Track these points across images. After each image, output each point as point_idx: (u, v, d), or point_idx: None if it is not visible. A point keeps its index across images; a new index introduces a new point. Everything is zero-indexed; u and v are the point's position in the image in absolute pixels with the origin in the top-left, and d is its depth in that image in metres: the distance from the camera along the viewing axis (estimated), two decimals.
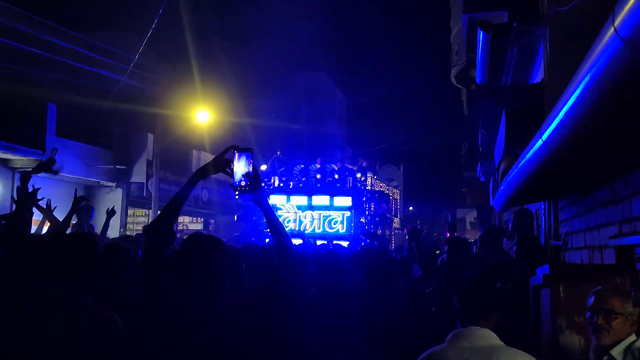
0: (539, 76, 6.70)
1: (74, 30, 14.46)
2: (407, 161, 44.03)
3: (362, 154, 22.77)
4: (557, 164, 2.53)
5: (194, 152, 21.13)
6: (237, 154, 2.45)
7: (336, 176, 14.69)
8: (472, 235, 33.28)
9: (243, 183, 2.39)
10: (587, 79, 1.61)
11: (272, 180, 14.94)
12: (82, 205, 6.47)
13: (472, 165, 14.48)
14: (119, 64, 14.66)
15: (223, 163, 2.46)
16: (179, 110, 17.74)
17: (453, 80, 18.37)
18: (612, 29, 1.35)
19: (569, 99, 1.88)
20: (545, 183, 3.44)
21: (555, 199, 5.54)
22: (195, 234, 2.44)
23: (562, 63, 5.75)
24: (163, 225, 2.44)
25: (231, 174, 2.42)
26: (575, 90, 1.78)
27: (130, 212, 18.83)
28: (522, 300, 4.76)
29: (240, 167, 2.42)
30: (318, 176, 14.68)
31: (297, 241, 11.73)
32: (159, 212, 14.71)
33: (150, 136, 17.53)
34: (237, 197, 2.51)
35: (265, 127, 24.83)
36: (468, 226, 43.06)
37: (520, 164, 3.11)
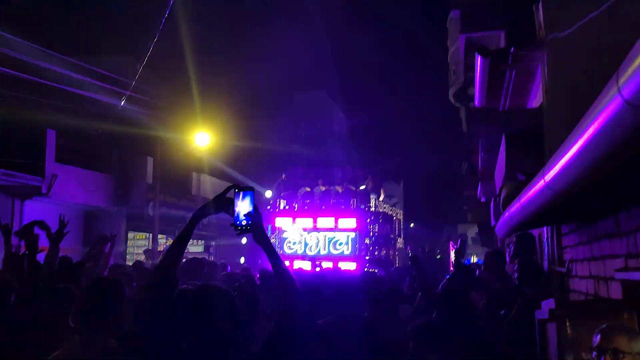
0: (537, 99, 6.70)
1: (72, 54, 14.54)
2: (408, 177, 44.05)
3: (363, 173, 22.73)
4: (559, 203, 2.50)
5: (194, 175, 21.14)
6: (238, 193, 2.42)
7: (340, 188, 14.86)
8: (472, 250, 33.15)
9: (244, 222, 2.36)
10: (588, 133, 1.58)
11: (277, 202, 15.11)
12: (99, 235, 6.76)
13: (473, 184, 14.44)
14: (117, 89, 14.72)
15: (224, 202, 2.43)
16: (178, 133, 17.78)
17: (451, 99, 18.44)
18: (615, 89, 1.32)
19: (571, 148, 1.85)
20: (548, 217, 3.40)
21: (559, 224, 5.49)
22: (206, 288, 2.39)
23: (560, 88, 5.75)
24: (166, 273, 2.39)
25: (232, 213, 2.38)
26: (577, 141, 1.75)
27: (130, 235, 18.78)
28: (526, 330, 4.70)
29: (241, 206, 2.39)
30: (322, 188, 14.89)
31: (304, 264, 11.70)
32: (159, 237, 14.56)
33: (150, 159, 17.55)
34: (238, 235, 2.47)
35: (265, 148, 24.85)
36: (470, 242, 42.99)
37: (523, 199, 3.08)
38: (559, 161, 2.08)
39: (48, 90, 13.26)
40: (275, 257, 2.41)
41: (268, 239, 2.43)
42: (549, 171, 2.28)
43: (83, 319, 2.86)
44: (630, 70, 1.23)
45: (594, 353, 2.63)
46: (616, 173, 1.89)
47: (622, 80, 1.29)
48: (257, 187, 21.49)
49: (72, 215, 16.36)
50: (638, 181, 2.23)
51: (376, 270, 9.23)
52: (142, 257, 14.27)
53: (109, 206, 17.02)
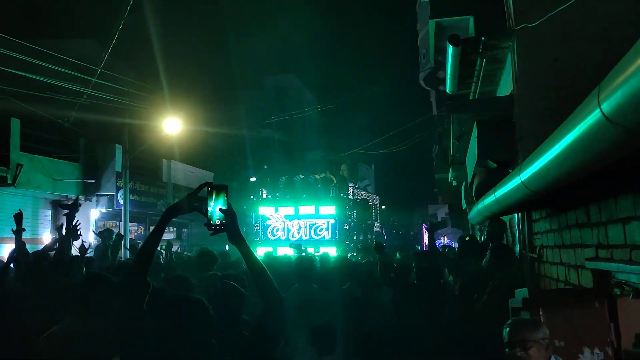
0: (507, 86, 6.79)
1: (35, 39, 14.10)
2: (379, 160, 44.29)
3: (334, 158, 22.80)
4: (534, 199, 2.55)
5: (164, 162, 20.86)
6: (211, 192, 2.38)
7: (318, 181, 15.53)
8: (443, 231, 33.62)
9: (218, 222, 2.33)
10: (566, 142, 1.61)
11: (260, 192, 15.93)
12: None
13: (444, 168, 14.62)
14: (83, 76, 14.34)
15: (197, 201, 2.39)
16: (147, 119, 17.47)
17: (422, 82, 18.54)
18: (595, 103, 1.36)
19: (548, 153, 1.89)
20: (521, 207, 3.47)
21: (529, 211, 5.62)
22: (179, 298, 2.37)
23: (530, 76, 5.84)
24: (138, 277, 2.36)
25: (205, 212, 2.35)
26: (555, 147, 1.78)
27: (100, 224, 18.48)
28: (499, 314, 4.82)
29: (215, 205, 2.35)
30: (301, 177, 15.61)
31: (287, 250, 11.84)
32: (130, 226, 14.30)
33: (119, 147, 17.23)
34: (212, 235, 2.43)
35: (236, 133, 24.63)
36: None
37: (498, 193, 3.14)
38: (535, 163, 2.12)
39: (11, 77, 12.86)
40: (249, 254, 2.38)
41: (242, 238, 2.38)
42: (525, 170, 2.33)
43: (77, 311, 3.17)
44: (611, 87, 1.26)
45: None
46: (591, 176, 1.94)
47: (603, 95, 1.32)
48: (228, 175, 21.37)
49: (40, 206, 16.09)
50: (609, 181, 2.30)
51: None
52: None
53: (77, 195, 16.70)
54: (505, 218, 6.84)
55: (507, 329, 2.87)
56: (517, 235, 6.22)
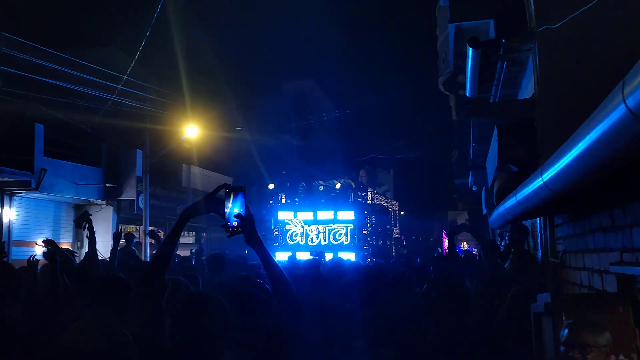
0: (529, 90, 6.71)
1: (60, 47, 14.35)
2: (398, 165, 44.13)
3: (352, 163, 22.77)
4: (557, 200, 2.51)
5: (184, 167, 21.03)
6: (229, 194, 2.36)
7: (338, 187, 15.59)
8: (463, 237, 33.35)
9: (235, 224, 2.31)
10: (590, 139, 1.58)
11: (279, 197, 16.02)
12: (126, 232, 7.49)
13: (463, 173, 14.51)
14: (107, 82, 14.55)
15: (214, 203, 2.38)
16: (167, 125, 17.65)
17: (441, 87, 18.39)
18: (620, 97, 1.33)
19: (571, 151, 1.85)
20: (543, 211, 3.42)
21: (551, 215, 5.53)
22: (194, 296, 2.37)
23: (552, 79, 5.77)
24: (156, 277, 2.36)
25: (223, 214, 2.34)
26: (578, 145, 1.75)
27: (121, 228, 18.69)
28: (520, 321, 4.74)
29: (232, 207, 2.34)
30: (321, 188, 15.61)
31: (305, 254, 11.89)
32: (149, 229, 14.43)
33: (140, 152, 17.43)
34: (229, 237, 2.41)
35: (255, 138, 24.75)
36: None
37: (519, 195, 3.09)
38: (558, 162, 2.08)
39: (36, 84, 13.10)
40: (267, 258, 2.37)
41: (260, 240, 2.36)
42: (548, 170, 2.29)
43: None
44: (636, 80, 1.23)
45: (562, 348, 2.70)
46: (615, 175, 1.90)
47: (627, 90, 1.29)
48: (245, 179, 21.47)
49: (63, 210, 16.32)
50: (634, 180, 2.25)
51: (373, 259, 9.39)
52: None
53: (99, 199, 16.92)
54: (527, 223, 6.75)
55: (567, 329, 2.72)
56: (539, 241, 6.13)
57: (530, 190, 2.78)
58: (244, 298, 3.30)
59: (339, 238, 14.77)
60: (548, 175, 2.30)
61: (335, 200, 15.35)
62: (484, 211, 12.30)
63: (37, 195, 14.27)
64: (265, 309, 3.61)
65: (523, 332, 4.38)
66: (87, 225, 5.56)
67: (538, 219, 5.97)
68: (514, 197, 3.37)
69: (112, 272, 5.09)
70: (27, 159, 13.46)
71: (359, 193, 15.70)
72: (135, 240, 8.49)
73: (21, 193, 13.94)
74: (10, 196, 13.79)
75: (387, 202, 18.16)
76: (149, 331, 2.28)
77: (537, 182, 2.54)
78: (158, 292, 2.31)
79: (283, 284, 2.35)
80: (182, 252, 12.78)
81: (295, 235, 15.11)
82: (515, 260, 5.64)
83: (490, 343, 4.90)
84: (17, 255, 12.57)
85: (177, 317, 2.24)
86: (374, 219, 15.78)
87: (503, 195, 5.46)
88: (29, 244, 14.22)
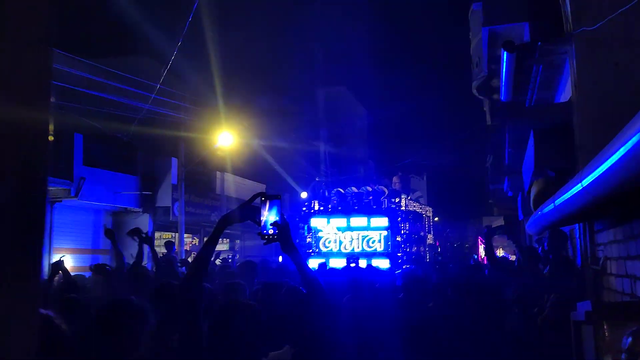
0: (566, 93, 6.58)
1: (96, 57, 14.73)
2: (431, 171, 43.71)
3: (386, 170, 22.67)
4: (597, 206, 2.45)
5: (218, 174, 21.27)
6: (265, 202, 2.39)
7: (371, 197, 15.43)
8: (498, 243, 32.78)
9: (271, 231, 2.34)
10: (633, 142, 1.54)
11: (312, 204, 15.85)
12: (166, 241, 7.99)
13: (499, 178, 14.29)
14: (141, 92, 14.85)
15: (250, 211, 2.41)
16: (201, 133, 17.89)
17: (475, 91, 18.20)
18: None
19: (613, 155, 1.80)
20: (583, 217, 3.34)
21: (591, 221, 5.40)
22: (232, 304, 2.40)
23: (590, 81, 5.64)
24: (194, 283, 2.40)
25: (259, 222, 2.36)
26: (620, 149, 1.70)
27: (157, 235, 18.99)
28: (560, 329, 4.64)
29: (268, 215, 2.36)
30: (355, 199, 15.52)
31: (340, 261, 11.88)
32: (185, 237, 14.64)
33: (175, 160, 17.71)
34: (265, 244, 2.44)
35: (288, 145, 24.88)
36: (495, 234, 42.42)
37: (557, 201, 3.02)
38: (598, 167, 2.03)
39: (74, 94, 13.46)
40: (302, 265, 2.39)
41: (295, 248, 2.40)
42: (587, 176, 2.23)
43: None
44: None
45: (623, 355, 2.59)
46: None
47: None
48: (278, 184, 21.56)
49: (100, 217, 16.70)
50: None
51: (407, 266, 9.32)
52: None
53: (135, 207, 17.24)
54: (566, 229, 6.60)
55: (631, 337, 2.51)
56: (578, 247, 5.98)
57: (569, 196, 2.72)
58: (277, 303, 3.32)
59: (372, 245, 14.63)
60: (588, 180, 2.25)
61: (368, 207, 15.24)
62: (521, 217, 12.08)
63: (76, 202, 14.64)
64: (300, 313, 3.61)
65: (562, 341, 4.27)
66: (140, 237, 6.03)
67: (577, 225, 5.83)
68: (552, 203, 3.30)
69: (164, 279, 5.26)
70: (67, 168, 13.84)
71: (393, 199, 15.54)
72: (175, 248, 8.66)
73: (61, 201, 14.32)
74: (52, 204, 14.18)
75: (420, 208, 17.98)
76: (189, 337, 2.31)
77: (576, 188, 2.48)
78: (197, 298, 2.35)
79: (317, 289, 2.37)
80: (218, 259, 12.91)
81: (329, 242, 15.03)
82: (554, 267, 5.52)
83: (529, 352, 4.80)
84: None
85: (214, 325, 2.27)
86: (407, 225, 15.59)
87: (540, 200, 5.35)
88: (70, 251, 14.60)
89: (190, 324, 2.32)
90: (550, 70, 6.71)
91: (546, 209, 3.72)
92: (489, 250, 6.06)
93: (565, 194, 2.77)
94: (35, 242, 0.45)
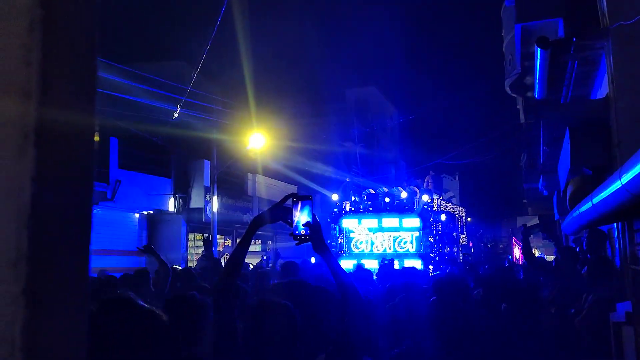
0: (602, 89, 6.43)
1: (129, 62, 15.02)
2: (463, 171, 43.22)
3: (416, 170, 22.51)
4: (637, 204, 2.39)
5: (249, 176, 21.45)
6: (296, 202, 2.40)
7: (403, 196, 15.25)
8: (534, 243, 32.11)
9: (303, 232, 2.34)
10: None
11: (343, 204, 15.76)
12: (205, 239, 7.85)
13: (533, 177, 14.05)
14: (174, 95, 15.08)
15: (282, 211, 2.42)
16: (233, 135, 18.06)
17: (507, 89, 17.93)
18: None
19: None
20: (622, 215, 3.26)
21: (630, 220, 5.26)
22: (265, 303, 2.42)
23: (627, 77, 5.51)
24: (229, 283, 2.42)
25: (291, 223, 2.37)
26: None
27: (190, 237, 19.26)
28: (598, 330, 4.54)
29: (300, 215, 2.37)
30: (387, 199, 15.37)
31: (371, 262, 11.86)
32: (218, 238, 14.79)
33: (207, 162, 17.93)
34: (297, 245, 2.44)
35: (319, 146, 24.93)
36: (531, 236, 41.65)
37: (595, 199, 2.96)
38: (639, 163, 1.98)
39: (109, 99, 13.74)
40: (335, 265, 2.38)
41: (328, 248, 2.39)
42: (627, 172, 2.18)
43: None
44: None
45: None
46: None
47: None
48: (312, 185, 21.62)
49: (136, 220, 17.03)
50: None
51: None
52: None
53: (170, 209, 17.51)
54: (604, 228, 6.45)
55: None
56: (617, 246, 5.84)
57: (607, 194, 2.66)
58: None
59: (404, 246, 14.50)
60: (627, 177, 2.19)
61: (400, 207, 15.12)
62: (557, 217, 11.85)
63: (112, 205, 14.95)
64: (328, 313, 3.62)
65: (601, 342, 4.18)
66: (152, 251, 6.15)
67: (616, 224, 5.70)
68: (590, 202, 3.23)
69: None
70: (103, 171, 14.14)
71: (425, 200, 15.38)
72: (216, 245, 8.89)
73: (98, 203, 14.63)
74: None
75: (453, 208, 17.77)
76: (224, 336, 2.34)
77: (616, 185, 2.43)
78: (231, 297, 2.37)
79: (350, 289, 2.36)
80: (250, 259, 13.02)
81: (360, 243, 14.95)
82: (592, 267, 5.40)
83: (567, 352, 4.71)
84: (96, 264, 13.17)
85: (248, 323, 2.29)
86: (440, 226, 15.41)
87: (577, 199, 5.25)
88: (107, 252, 14.93)
89: (225, 323, 2.35)
90: (585, 66, 6.58)
91: (583, 208, 3.64)
92: (527, 249, 5.92)
93: (604, 192, 2.71)
94: (85, 243, 0.46)
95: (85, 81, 0.52)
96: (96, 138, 0.57)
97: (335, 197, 16.29)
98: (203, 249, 14.76)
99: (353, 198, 15.93)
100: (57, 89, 0.48)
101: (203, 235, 15.59)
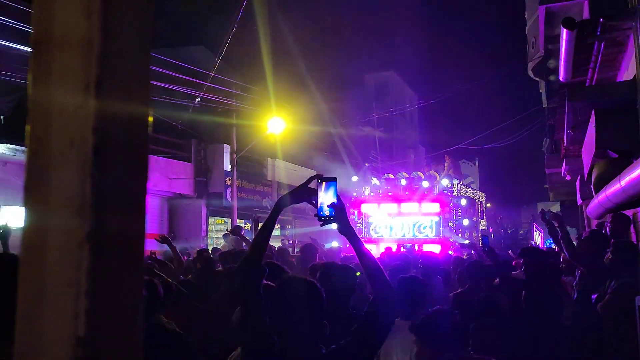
0: (629, 71, 6.31)
1: (154, 48, 15.06)
2: (483, 156, 42.86)
3: (436, 155, 22.36)
4: None
5: (269, 160, 21.51)
6: (321, 184, 2.39)
7: (424, 183, 15.14)
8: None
9: (327, 213, 2.35)
10: None
11: (362, 189, 15.71)
12: (234, 226, 8.60)
13: (556, 162, 13.89)
14: (195, 80, 15.13)
15: (307, 193, 2.42)
16: (253, 119, 18.11)
17: (530, 73, 17.67)
18: None
19: None
20: None
21: None
22: (290, 279, 2.43)
23: None
24: (254, 263, 2.44)
25: (315, 204, 2.37)
26: None
27: (210, 221, 19.44)
28: (621, 316, 4.49)
29: (324, 197, 2.37)
30: (403, 182, 15.32)
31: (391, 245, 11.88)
32: (236, 225, 14.93)
33: (227, 147, 18.02)
34: (322, 226, 2.44)
35: (338, 131, 24.88)
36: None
37: (624, 181, 2.92)
38: None
39: None
40: (360, 246, 2.37)
41: (352, 229, 2.39)
42: None
43: None
44: None
45: None
46: None
47: None
48: (329, 169, 21.64)
49: (158, 203, 17.21)
50: None
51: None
52: (221, 242, 14.78)
53: (190, 193, 17.66)
54: (629, 213, 6.36)
55: None
56: None
57: (636, 175, 2.62)
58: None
59: (423, 231, 14.44)
60: None
61: (419, 193, 15.02)
62: (579, 202, 11.71)
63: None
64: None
65: (625, 327, 4.14)
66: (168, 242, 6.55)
67: None
68: (618, 183, 3.19)
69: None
70: None
71: (444, 185, 15.28)
72: (243, 231, 9.03)
73: None
74: None
75: (473, 194, 17.64)
76: (250, 315, 2.36)
77: None
78: (256, 278, 2.38)
79: (376, 271, 2.36)
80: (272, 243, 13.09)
81: (379, 228, 14.91)
82: (616, 252, 5.33)
83: (590, 338, 4.68)
84: None
85: (276, 301, 2.31)
86: (460, 211, 15.29)
87: (602, 183, 5.18)
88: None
89: (250, 303, 2.36)
90: (612, 47, 6.45)
91: (610, 189, 3.59)
92: (553, 232, 5.74)
93: (635, 172, 2.67)
94: (140, 225, 0.48)
95: (142, 71, 0.53)
96: (150, 118, 0.58)
97: (354, 178, 16.28)
98: (224, 232, 14.85)
99: (373, 182, 15.91)
100: (118, 80, 0.49)
101: (232, 226, 15.79)
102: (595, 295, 5.04)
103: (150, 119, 0.51)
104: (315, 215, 2.36)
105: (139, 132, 0.47)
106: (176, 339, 3.31)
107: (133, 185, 0.45)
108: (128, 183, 0.45)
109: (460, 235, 14.74)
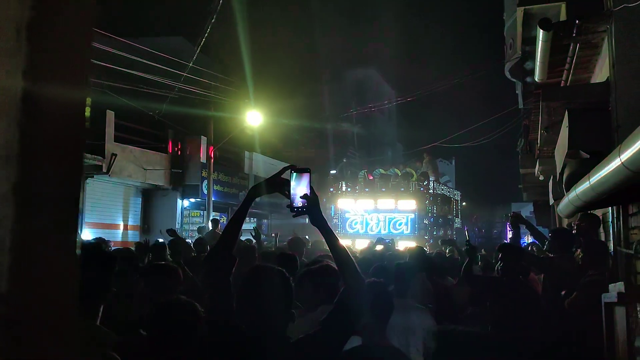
0: (603, 73, 6.41)
1: (128, 36, 14.84)
2: (460, 155, 43.22)
3: (413, 153, 22.51)
4: (635, 183, 2.38)
5: (246, 154, 21.40)
6: (294, 174, 2.37)
7: (398, 172, 15.25)
8: (524, 230, 32.00)
9: (300, 204, 2.32)
10: None
11: (339, 185, 15.81)
12: (212, 218, 8.77)
13: (530, 162, 14.06)
14: (173, 70, 14.95)
15: (279, 183, 2.40)
16: (230, 112, 17.98)
17: (507, 74, 17.87)
18: None
19: None
20: (617, 198, 3.26)
21: (625, 203, 5.28)
22: (260, 267, 2.41)
23: (629, 61, 5.49)
24: (224, 252, 2.41)
25: (288, 194, 2.35)
26: None
27: (185, 213, 19.27)
28: (590, 312, 4.57)
29: (297, 187, 2.34)
30: (380, 178, 15.42)
31: (365, 242, 11.90)
32: (212, 217, 14.85)
33: (204, 139, 17.86)
34: (294, 217, 2.41)
35: (316, 126, 24.86)
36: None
37: (593, 178, 2.95)
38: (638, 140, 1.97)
39: (106, 71, 13.59)
40: (332, 237, 2.36)
41: (324, 220, 2.37)
42: (627, 150, 2.17)
43: None
44: None
45: None
46: None
47: None
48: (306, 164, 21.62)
49: (131, 194, 16.99)
50: None
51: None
52: (196, 235, 14.66)
53: (165, 185, 17.47)
54: (598, 214, 6.48)
55: None
56: (610, 231, 5.87)
57: (606, 172, 2.66)
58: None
59: (399, 227, 14.57)
60: (627, 154, 2.18)
61: (395, 189, 15.14)
62: (551, 202, 11.89)
63: (107, 179, 14.89)
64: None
65: (592, 322, 4.22)
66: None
67: (610, 207, 5.72)
68: (587, 182, 3.23)
69: None
70: (99, 144, 14.05)
71: (420, 182, 15.42)
72: (220, 225, 8.99)
73: (93, 177, 14.56)
74: (84, 180, 14.43)
75: (449, 192, 17.83)
76: (218, 304, 2.34)
77: (615, 163, 2.42)
78: (226, 267, 2.36)
79: (347, 262, 2.35)
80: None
81: (355, 224, 15.01)
82: (585, 250, 5.42)
83: (559, 333, 4.75)
84: (90, 236, 13.16)
85: (242, 289, 2.29)
86: (435, 208, 15.46)
87: (573, 182, 5.25)
88: (101, 226, 14.92)
89: (219, 292, 2.34)
90: (588, 49, 6.54)
91: (580, 188, 3.64)
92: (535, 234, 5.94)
93: (603, 171, 2.70)
94: (73, 215, 0.45)
95: (81, 54, 0.50)
96: (87, 109, 0.55)
97: (332, 172, 16.34)
98: (198, 225, 14.74)
99: (350, 177, 15.98)
100: (53, 63, 0.46)
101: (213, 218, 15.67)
102: (564, 292, 5.13)
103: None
104: (288, 205, 2.33)
105: (77, 83, 0.44)
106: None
107: (69, 139, 0.42)
108: (62, 136, 0.42)
109: (435, 233, 14.90)
